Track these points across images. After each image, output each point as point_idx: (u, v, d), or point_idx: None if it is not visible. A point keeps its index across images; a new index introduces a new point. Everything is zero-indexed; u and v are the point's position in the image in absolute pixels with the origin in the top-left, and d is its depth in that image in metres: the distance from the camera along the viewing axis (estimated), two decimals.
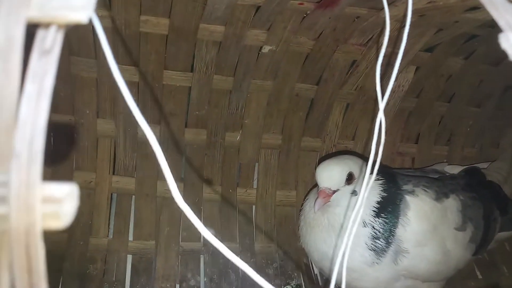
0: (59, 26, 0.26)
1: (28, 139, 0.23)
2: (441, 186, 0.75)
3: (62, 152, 0.80)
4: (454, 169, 0.90)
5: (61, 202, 0.22)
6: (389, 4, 0.42)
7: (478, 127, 1.07)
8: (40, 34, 0.24)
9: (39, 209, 0.22)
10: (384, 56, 0.94)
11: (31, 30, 0.25)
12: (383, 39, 0.80)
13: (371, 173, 0.39)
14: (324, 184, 0.68)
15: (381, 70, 0.96)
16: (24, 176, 0.22)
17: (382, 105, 0.40)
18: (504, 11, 0.37)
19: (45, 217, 0.22)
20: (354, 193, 0.68)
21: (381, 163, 1.06)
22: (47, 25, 0.26)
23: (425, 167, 0.95)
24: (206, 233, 0.27)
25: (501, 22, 0.36)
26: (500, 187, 0.88)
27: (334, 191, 0.68)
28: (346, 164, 0.69)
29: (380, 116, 0.39)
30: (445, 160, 1.05)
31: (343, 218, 0.69)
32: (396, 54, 0.89)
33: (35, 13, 0.24)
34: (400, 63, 0.95)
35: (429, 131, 1.02)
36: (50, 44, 0.25)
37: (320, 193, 0.68)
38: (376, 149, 0.40)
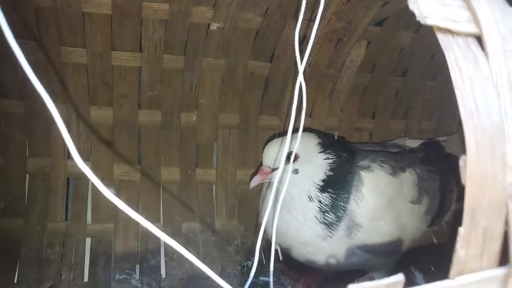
0: None
1: None
2: (398, 160, 0.76)
3: None
4: (415, 143, 0.92)
5: None
6: None
7: (434, 100, 1.09)
8: None
9: None
10: (335, 31, 0.93)
11: None
12: (329, 13, 0.80)
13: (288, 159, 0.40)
14: (264, 162, 0.72)
15: (333, 45, 0.95)
16: None
17: (301, 69, 0.40)
18: None
19: None
20: (296, 171, 0.70)
21: (343, 138, 1.08)
22: None
23: (386, 141, 0.97)
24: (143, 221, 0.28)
25: None
26: (458, 159, 0.89)
27: (273, 169, 0.71)
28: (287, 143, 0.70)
29: (300, 81, 0.40)
30: (402, 135, 1.06)
31: (287, 195, 0.70)
32: (346, 29, 0.90)
33: None
34: (351, 38, 0.95)
35: (386, 105, 1.04)
36: None
37: (259, 170, 0.72)
38: (295, 126, 0.41)
